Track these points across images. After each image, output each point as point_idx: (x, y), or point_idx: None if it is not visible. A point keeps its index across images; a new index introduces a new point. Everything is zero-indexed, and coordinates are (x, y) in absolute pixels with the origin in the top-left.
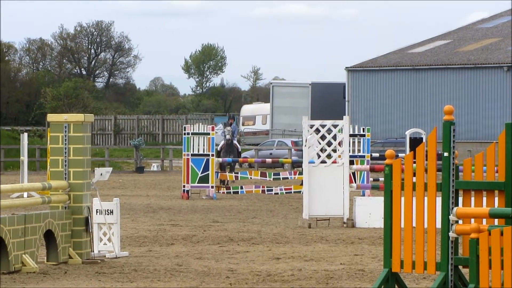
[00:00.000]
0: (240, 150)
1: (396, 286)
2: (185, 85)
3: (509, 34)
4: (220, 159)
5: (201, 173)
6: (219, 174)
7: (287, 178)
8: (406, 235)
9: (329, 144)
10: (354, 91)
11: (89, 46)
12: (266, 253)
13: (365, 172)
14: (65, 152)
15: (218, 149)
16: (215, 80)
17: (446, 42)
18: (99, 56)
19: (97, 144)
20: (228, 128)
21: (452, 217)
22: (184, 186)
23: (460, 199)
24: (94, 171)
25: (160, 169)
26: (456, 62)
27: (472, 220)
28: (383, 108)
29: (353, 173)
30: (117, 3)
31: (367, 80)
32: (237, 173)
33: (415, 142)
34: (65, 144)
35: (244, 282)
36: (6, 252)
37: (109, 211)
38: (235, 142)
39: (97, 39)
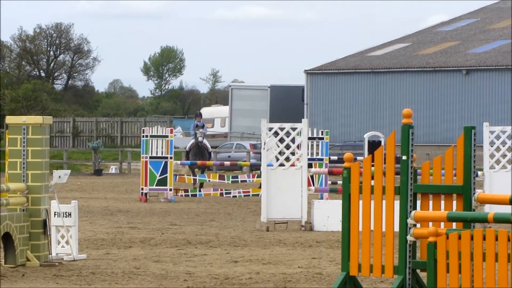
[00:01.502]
0: (210, 151)
1: None
2: (144, 88)
3: (468, 38)
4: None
5: (160, 175)
6: (177, 177)
7: (246, 181)
8: (364, 238)
9: (287, 147)
10: (313, 94)
11: (48, 48)
12: (224, 256)
13: (324, 175)
14: (24, 155)
15: (187, 149)
16: (174, 83)
17: (405, 45)
18: (58, 58)
19: (56, 146)
20: (201, 130)
21: (410, 221)
22: (142, 189)
23: (418, 203)
24: (52, 173)
25: (118, 172)
26: (415, 65)
27: (430, 223)
28: (342, 111)
29: (312, 176)
30: (76, 5)
31: (326, 83)
32: (195, 176)
33: (374, 145)
34: (24, 146)
35: (202, 285)
36: None
37: (67, 214)
38: (205, 142)
39: (56, 41)
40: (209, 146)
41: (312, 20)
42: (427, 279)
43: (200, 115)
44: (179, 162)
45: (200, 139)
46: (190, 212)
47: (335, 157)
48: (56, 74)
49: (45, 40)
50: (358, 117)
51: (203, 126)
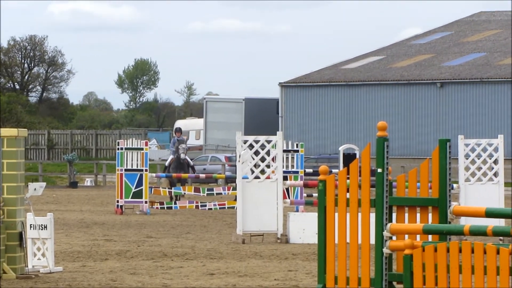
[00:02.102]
0: (192, 165)
1: None
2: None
3: (442, 51)
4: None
5: (135, 188)
6: (152, 189)
7: (221, 193)
8: (340, 250)
9: (262, 159)
10: (288, 106)
11: (23, 61)
12: (200, 268)
13: (299, 188)
14: None
15: (166, 164)
16: (149, 95)
17: (379, 58)
18: (33, 71)
19: (31, 158)
20: (183, 145)
21: (386, 233)
22: (117, 201)
23: (394, 215)
24: (27, 186)
25: (93, 184)
26: (389, 78)
27: (406, 236)
28: (317, 123)
29: (287, 189)
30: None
31: (301, 95)
32: (170, 188)
33: (349, 158)
34: None
35: None
36: None
37: (43, 226)
38: (186, 158)
39: (31, 54)
40: (190, 161)
41: (286, 33)
42: None
43: (180, 130)
44: (154, 174)
45: (182, 155)
46: (166, 225)
47: (311, 170)
48: (30, 86)
49: (19, 53)
50: (333, 130)
51: (185, 141)
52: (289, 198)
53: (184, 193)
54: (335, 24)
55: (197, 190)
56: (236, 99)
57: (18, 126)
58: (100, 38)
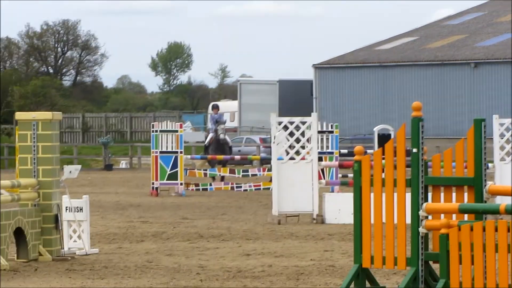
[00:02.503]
0: (231, 145)
1: (366, 282)
2: (153, 83)
3: (475, 31)
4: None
5: (170, 170)
6: (188, 171)
7: (256, 175)
8: (376, 231)
9: (297, 140)
10: (322, 88)
11: (56, 45)
12: (236, 249)
13: (334, 169)
14: (34, 150)
15: (206, 144)
16: (182, 78)
17: (413, 39)
18: (66, 55)
19: (66, 142)
20: (222, 126)
21: (421, 213)
22: (153, 183)
23: (430, 195)
24: (63, 169)
25: (128, 167)
26: (423, 58)
27: (442, 215)
28: (351, 104)
29: (322, 170)
30: (83, 2)
31: (335, 77)
32: (206, 170)
33: (384, 138)
34: (34, 142)
35: (215, 278)
36: None
37: (79, 209)
38: (226, 138)
39: (64, 38)
40: (229, 141)
41: (320, 15)
42: (439, 271)
43: (217, 107)
44: (189, 156)
45: (221, 136)
46: (201, 206)
47: (345, 151)
48: (64, 70)
49: (53, 37)
50: (368, 111)
51: (224, 122)
52: (324, 178)
53: (220, 174)
54: (369, 5)
55: (232, 171)
56: (270, 81)
57: (53, 110)
58: (133, 22)
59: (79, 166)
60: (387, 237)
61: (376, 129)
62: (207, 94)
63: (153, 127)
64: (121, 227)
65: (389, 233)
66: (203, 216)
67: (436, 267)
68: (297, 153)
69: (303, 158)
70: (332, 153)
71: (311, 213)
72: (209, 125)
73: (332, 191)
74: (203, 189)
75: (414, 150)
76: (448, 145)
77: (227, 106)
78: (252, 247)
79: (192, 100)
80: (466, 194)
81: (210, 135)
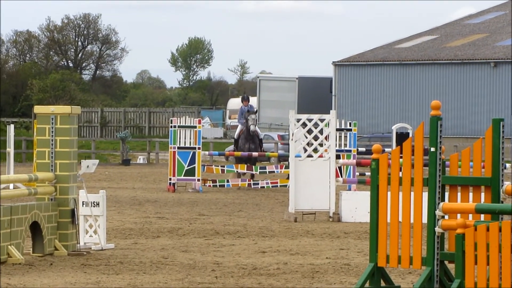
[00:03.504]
0: (261, 137)
1: (381, 281)
2: (172, 78)
3: (496, 30)
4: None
5: (187, 166)
6: (205, 167)
7: (273, 171)
8: (392, 229)
9: (315, 138)
10: (341, 85)
11: (76, 39)
12: (252, 246)
13: (352, 167)
14: (52, 144)
15: (235, 137)
16: (202, 74)
17: (433, 38)
18: (86, 49)
19: (84, 136)
20: (253, 116)
21: (438, 212)
22: (170, 179)
23: (447, 194)
24: (80, 163)
25: (146, 162)
26: (443, 57)
27: (458, 215)
28: (370, 102)
29: (340, 168)
30: None
31: (354, 74)
32: (223, 166)
33: (402, 137)
34: (52, 136)
35: (230, 275)
36: None
37: (95, 203)
38: (257, 129)
39: (84, 32)
40: (260, 132)
41: (340, 12)
42: (455, 271)
43: (248, 98)
44: (207, 152)
45: (252, 127)
46: (218, 203)
47: (363, 149)
48: (84, 64)
49: (73, 31)
50: (386, 109)
51: (255, 112)
52: (341, 176)
53: (237, 171)
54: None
55: (249, 168)
56: (289, 78)
57: (72, 104)
58: (153, 17)
59: (97, 161)
60: (403, 236)
61: (395, 127)
62: (226, 90)
63: (171, 123)
64: (137, 222)
65: (405, 232)
66: (219, 213)
67: (451, 267)
68: (315, 150)
69: (320, 156)
70: (350, 151)
71: (327, 211)
72: (239, 117)
73: (349, 189)
74: (220, 185)
75: (432, 149)
76: (466, 145)
77: None
78: (267, 244)
79: (211, 96)
80: (483, 194)
81: (240, 127)
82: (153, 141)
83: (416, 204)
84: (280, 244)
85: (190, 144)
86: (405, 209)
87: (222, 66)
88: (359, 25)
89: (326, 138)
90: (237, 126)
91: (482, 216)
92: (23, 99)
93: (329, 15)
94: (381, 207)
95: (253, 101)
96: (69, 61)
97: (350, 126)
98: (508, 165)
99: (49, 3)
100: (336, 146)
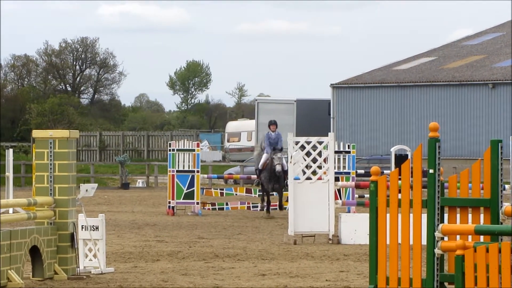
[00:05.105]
0: (287, 169)
1: None
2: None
3: (493, 51)
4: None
5: (187, 189)
6: (204, 190)
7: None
8: (391, 251)
9: (314, 160)
10: (339, 107)
11: (74, 63)
12: (251, 269)
13: (351, 189)
14: (51, 168)
15: (260, 167)
16: (200, 97)
17: (431, 59)
18: (84, 73)
19: (83, 160)
20: (279, 154)
21: (437, 234)
22: (169, 202)
23: (446, 216)
24: (79, 187)
25: (145, 185)
26: (441, 79)
27: (458, 236)
28: (368, 125)
29: (339, 190)
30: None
31: (352, 96)
32: (222, 189)
33: (400, 159)
34: (51, 160)
35: None
36: None
37: (95, 227)
38: (281, 170)
39: (82, 56)
40: (286, 165)
41: (337, 34)
42: None
43: (275, 123)
44: (205, 175)
45: (278, 167)
46: (218, 226)
47: (362, 171)
48: (82, 88)
49: (71, 55)
50: (385, 131)
51: (281, 149)
52: (340, 199)
53: (236, 194)
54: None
55: (248, 191)
56: (287, 100)
57: (70, 128)
58: (151, 40)
59: (96, 185)
60: (403, 258)
61: (393, 149)
62: (225, 113)
63: (170, 146)
64: (137, 246)
65: (404, 254)
66: (219, 236)
67: None
68: (314, 173)
69: (319, 178)
70: (348, 173)
71: (327, 233)
72: (265, 144)
73: (349, 212)
74: (219, 209)
75: (431, 170)
76: (465, 166)
77: (244, 125)
78: (267, 267)
79: (209, 119)
80: (482, 215)
81: (265, 157)
82: (152, 164)
83: (415, 225)
84: (280, 267)
85: (189, 168)
86: (404, 230)
87: (220, 89)
88: (357, 47)
89: (325, 160)
90: (236, 148)
91: (482, 237)
92: (21, 123)
93: (326, 37)
94: (380, 229)
95: (251, 124)
96: (67, 85)
97: (348, 148)
98: (507, 186)
99: (47, 27)
100: (335, 169)
